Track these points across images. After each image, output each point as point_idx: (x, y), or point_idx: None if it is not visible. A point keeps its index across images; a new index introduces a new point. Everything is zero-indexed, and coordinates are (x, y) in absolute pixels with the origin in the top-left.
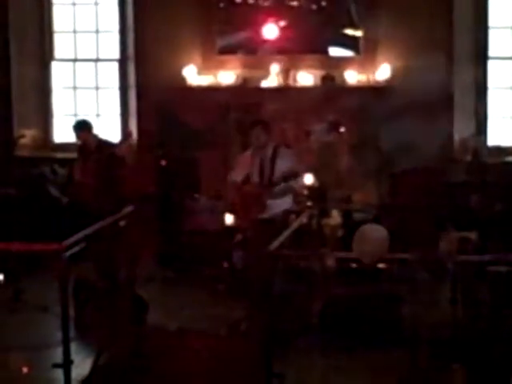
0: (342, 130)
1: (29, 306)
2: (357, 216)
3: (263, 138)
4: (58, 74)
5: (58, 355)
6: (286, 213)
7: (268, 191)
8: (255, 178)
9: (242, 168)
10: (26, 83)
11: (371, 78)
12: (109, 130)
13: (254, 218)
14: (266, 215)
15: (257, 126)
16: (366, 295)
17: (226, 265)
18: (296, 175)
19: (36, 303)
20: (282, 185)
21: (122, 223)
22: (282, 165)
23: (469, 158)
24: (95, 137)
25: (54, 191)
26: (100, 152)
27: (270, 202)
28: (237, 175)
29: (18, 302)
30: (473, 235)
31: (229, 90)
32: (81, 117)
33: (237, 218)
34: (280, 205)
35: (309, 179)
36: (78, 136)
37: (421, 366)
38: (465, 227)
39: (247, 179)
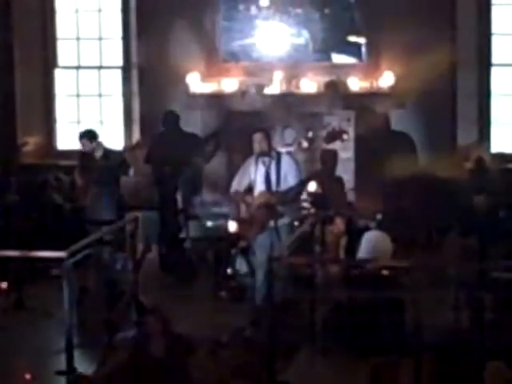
0: (346, 137)
1: (32, 313)
2: (360, 223)
3: (264, 145)
4: (62, 81)
5: (61, 362)
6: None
7: (279, 198)
8: (260, 186)
9: (244, 177)
10: (30, 90)
11: (374, 84)
12: (112, 137)
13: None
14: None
15: (257, 134)
16: (369, 302)
17: (229, 271)
18: (308, 181)
19: (39, 310)
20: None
21: (125, 230)
22: (288, 171)
23: (472, 164)
24: (100, 145)
25: (57, 198)
26: (107, 160)
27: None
28: (239, 185)
29: (21, 309)
30: (475, 241)
31: (232, 97)
32: (84, 124)
33: (243, 227)
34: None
35: (312, 186)
36: (85, 145)
37: (425, 373)
38: (468, 233)
39: (249, 189)
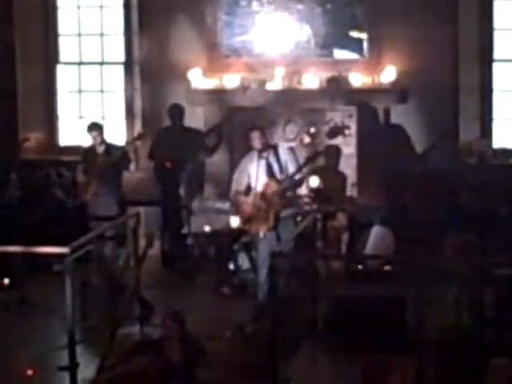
0: (348, 132)
1: (34, 309)
2: (362, 219)
3: (261, 142)
4: (64, 77)
5: (63, 358)
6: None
7: (288, 184)
8: (264, 179)
9: (243, 175)
10: (32, 86)
11: (376, 80)
12: (114, 132)
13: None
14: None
15: (254, 132)
16: (370, 298)
17: (231, 267)
18: (313, 158)
19: (41, 306)
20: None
21: (127, 225)
22: (287, 159)
23: (474, 160)
24: (103, 140)
25: (59, 194)
26: (109, 155)
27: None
28: (238, 184)
29: (23, 304)
30: (476, 237)
31: (234, 92)
32: (86, 119)
33: (250, 223)
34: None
35: (314, 182)
36: (95, 137)
37: (426, 370)
38: (469, 229)
39: (249, 188)
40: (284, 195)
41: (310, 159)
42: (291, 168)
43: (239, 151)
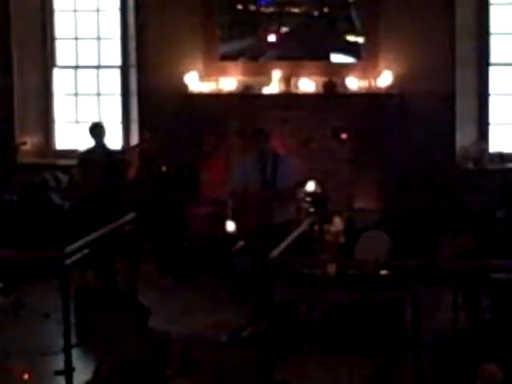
0: (344, 136)
1: (30, 313)
2: (358, 222)
3: (265, 145)
4: (60, 80)
5: (59, 362)
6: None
7: (274, 195)
8: (256, 184)
9: (241, 175)
10: (28, 90)
11: (373, 84)
12: (110, 136)
13: (259, 222)
14: (271, 220)
15: (257, 134)
16: (367, 302)
17: (227, 271)
18: (305, 181)
19: (37, 310)
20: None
21: (123, 229)
22: (284, 171)
23: (470, 164)
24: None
25: (55, 198)
26: (109, 158)
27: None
28: (236, 183)
29: (19, 308)
30: (472, 241)
31: (230, 96)
32: (83, 123)
33: (239, 224)
34: (284, 211)
35: (311, 186)
36: (97, 136)
37: (423, 373)
38: (465, 233)
39: (246, 187)
40: (267, 205)
41: (299, 185)
42: (288, 182)
43: (236, 155)
